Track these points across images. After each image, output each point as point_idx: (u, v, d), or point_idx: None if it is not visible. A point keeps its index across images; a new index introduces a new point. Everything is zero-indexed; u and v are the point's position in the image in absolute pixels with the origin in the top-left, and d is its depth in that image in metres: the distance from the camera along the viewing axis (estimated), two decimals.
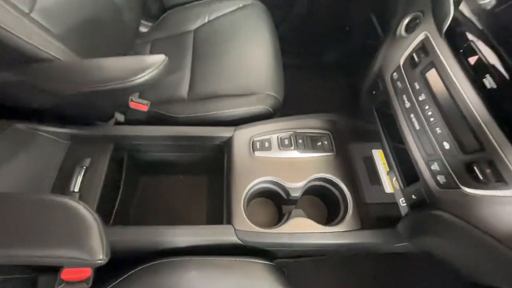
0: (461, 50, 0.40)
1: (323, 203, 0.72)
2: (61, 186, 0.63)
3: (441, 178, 0.41)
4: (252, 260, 0.58)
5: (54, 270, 0.50)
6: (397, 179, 0.54)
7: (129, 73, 0.55)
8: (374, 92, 0.60)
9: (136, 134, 0.72)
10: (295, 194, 0.65)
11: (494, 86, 0.36)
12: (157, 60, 0.57)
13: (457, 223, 0.39)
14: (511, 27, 0.36)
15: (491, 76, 0.36)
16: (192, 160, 0.82)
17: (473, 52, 0.39)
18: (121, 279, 0.55)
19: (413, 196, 0.47)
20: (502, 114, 0.36)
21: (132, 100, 0.73)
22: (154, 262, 0.57)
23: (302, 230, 0.59)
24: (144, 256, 0.58)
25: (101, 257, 0.37)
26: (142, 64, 0.55)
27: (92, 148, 0.69)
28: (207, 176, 0.89)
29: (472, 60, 0.39)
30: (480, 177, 0.36)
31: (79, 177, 0.64)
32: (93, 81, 0.55)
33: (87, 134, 0.70)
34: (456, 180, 0.39)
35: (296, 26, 1.14)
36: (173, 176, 0.89)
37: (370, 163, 0.69)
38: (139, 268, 0.56)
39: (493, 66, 0.36)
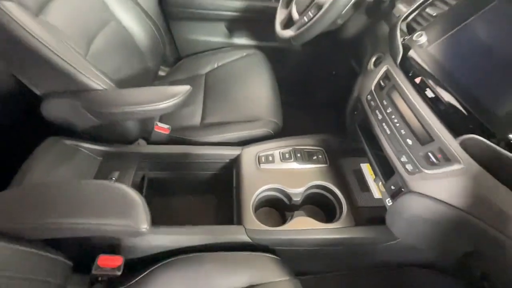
0: (410, 74, 0.57)
1: (321, 211, 0.81)
2: None
3: (409, 167, 0.53)
4: (261, 254, 0.65)
5: (88, 264, 0.57)
6: (379, 178, 0.66)
7: (162, 97, 0.70)
8: (355, 112, 0.76)
9: (156, 151, 0.84)
10: (296, 199, 0.75)
11: (433, 95, 0.51)
12: (184, 89, 0.73)
13: (423, 199, 0.50)
14: (437, 58, 0.53)
15: (430, 89, 0.52)
16: (204, 179, 0.92)
17: (417, 75, 0.55)
18: (143, 274, 0.61)
19: (392, 187, 0.59)
20: (440, 113, 0.51)
21: (156, 124, 0.87)
22: (173, 258, 0.63)
23: (304, 227, 0.68)
24: (163, 254, 0.65)
25: (145, 226, 0.46)
26: (173, 91, 0.71)
27: (120, 163, 0.80)
28: (215, 196, 0.98)
29: (417, 80, 0.55)
30: (434, 160, 0.49)
31: None
32: (133, 103, 0.69)
33: (116, 151, 0.82)
34: (419, 166, 0.51)
35: (291, 71, 1.36)
36: (183, 197, 0.98)
37: (359, 174, 0.81)
38: (160, 264, 0.62)
39: (430, 83, 0.52)
